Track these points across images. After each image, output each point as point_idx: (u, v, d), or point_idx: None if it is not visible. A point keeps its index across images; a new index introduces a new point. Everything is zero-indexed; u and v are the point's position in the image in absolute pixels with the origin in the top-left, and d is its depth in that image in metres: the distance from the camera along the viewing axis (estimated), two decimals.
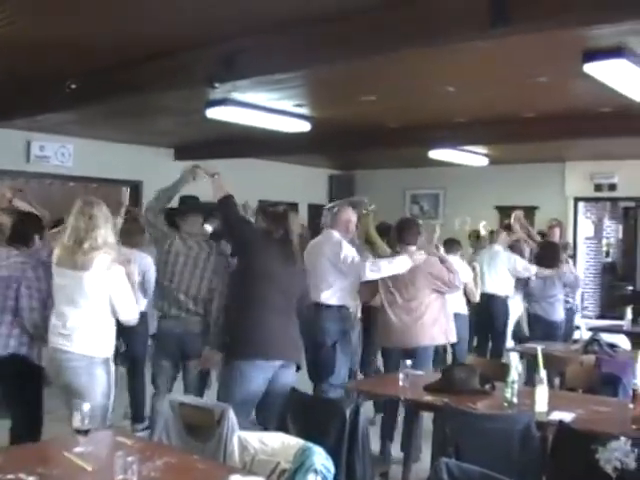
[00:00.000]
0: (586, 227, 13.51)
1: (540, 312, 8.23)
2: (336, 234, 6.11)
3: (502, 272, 8.86)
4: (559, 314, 8.31)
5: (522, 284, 8.78)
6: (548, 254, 8.44)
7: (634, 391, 4.08)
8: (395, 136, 9.61)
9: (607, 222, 15.06)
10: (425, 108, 8.09)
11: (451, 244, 8.13)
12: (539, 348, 4.46)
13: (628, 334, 7.84)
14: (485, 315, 8.82)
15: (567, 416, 4.05)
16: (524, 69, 6.16)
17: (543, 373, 4.27)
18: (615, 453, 3.45)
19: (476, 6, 4.26)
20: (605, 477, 3.44)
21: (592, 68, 5.41)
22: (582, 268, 13.10)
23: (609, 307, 13.63)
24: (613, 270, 15.39)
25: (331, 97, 7.76)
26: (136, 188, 11.38)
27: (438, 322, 5.97)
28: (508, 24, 4.20)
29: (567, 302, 8.63)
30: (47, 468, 3.04)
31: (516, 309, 9.26)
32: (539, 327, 8.16)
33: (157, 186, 10.92)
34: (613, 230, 15.49)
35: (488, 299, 8.73)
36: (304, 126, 8.54)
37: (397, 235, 6.21)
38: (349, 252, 5.90)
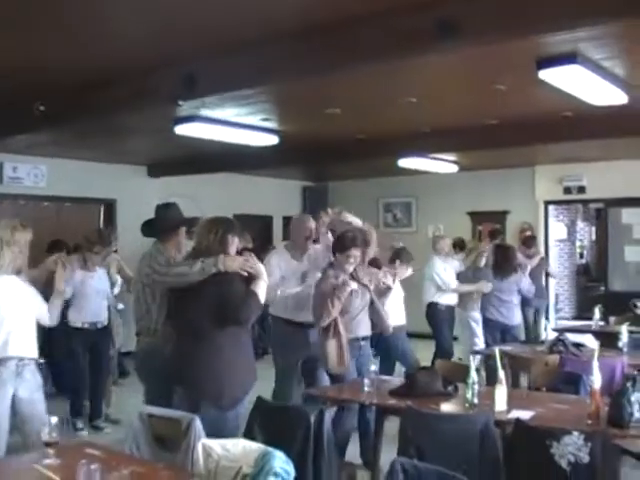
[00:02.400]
0: (558, 230, 13.70)
1: (499, 317, 8.32)
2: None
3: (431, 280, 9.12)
4: (517, 318, 8.46)
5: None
6: (501, 260, 8.47)
7: (591, 387, 4.20)
8: (363, 147, 9.75)
9: (580, 224, 15.30)
10: (390, 119, 8.24)
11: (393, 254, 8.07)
12: (497, 349, 4.59)
13: (596, 334, 7.97)
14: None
15: (525, 414, 4.17)
16: (481, 78, 6.32)
17: (502, 373, 4.39)
18: (569, 447, 3.58)
19: (424, 22, 4.40)
20: (560, 471, 3.57)
21: (547, 75, 5.56)
22: (555, 270, 13.27)
23: (584, 308, 13.81)
24: (587, 271, 15.63)
25: (296, 111, 7.90)
26: (110, 207, 11.48)
27: None
28: (456, 37, 4.34)
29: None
30: None
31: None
32: (498, 331, 8.28)
33: (131, 204, 11.16)
34: (586, 232, 15.74)
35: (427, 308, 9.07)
36: (272, 140, 8.68)
37: None
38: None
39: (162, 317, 4.99)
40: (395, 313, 7.58)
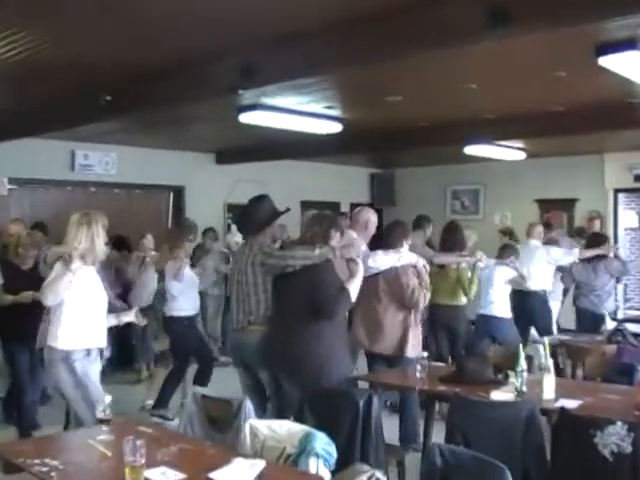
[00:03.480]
0: (629, 218, 13.41)
1: (588, 305, 8.27)
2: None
3: (540, 267, 8.61)
4: (608, 306, 8.33)
5: (569, 278, 8.82)
6: (593, 243, 8.57)
7: None
8: (426, 134, 9.71)
9: None
10: (451, 106, 8.20)
11: (504, 250, 8.04)
12: (546, 338, 4.60)
13: None
14: (526, 311, 8.48)
15: (573, 403, 4.18)
16: (540, 65, 6.25)
17: (550, 362, 4.41)
18: (612, 437, 3.59)
19: (475, 9, 4.40)
20: (603, 461, 3.59)
21: (606, 61, 5.47)
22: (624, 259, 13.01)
23: None
24: None
25: (358, 98, 7.93)
26: (179, 193, 11.72)
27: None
28: (508, 24, 4.33)
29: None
30: (71, 453, 3.32)
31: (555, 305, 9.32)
32: (587, 320, 8.20)
33: (199, 191, 11.38)
34: None
35: (528, 295, 8.44)
36: (336, 127, 8.73)
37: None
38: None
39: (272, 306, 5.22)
40: (502, 305, 7.77)
